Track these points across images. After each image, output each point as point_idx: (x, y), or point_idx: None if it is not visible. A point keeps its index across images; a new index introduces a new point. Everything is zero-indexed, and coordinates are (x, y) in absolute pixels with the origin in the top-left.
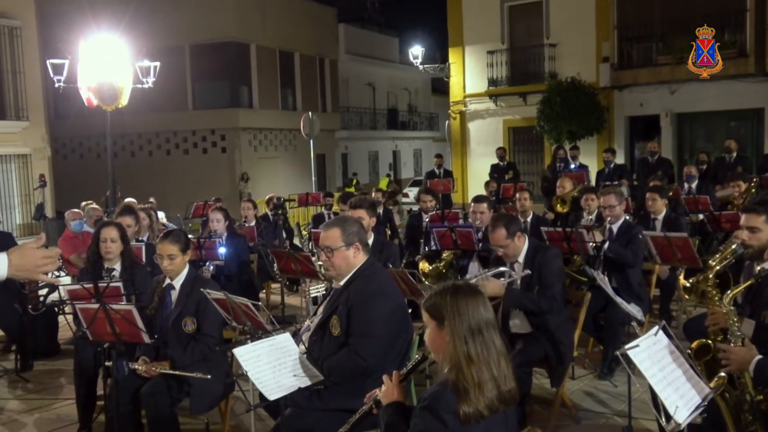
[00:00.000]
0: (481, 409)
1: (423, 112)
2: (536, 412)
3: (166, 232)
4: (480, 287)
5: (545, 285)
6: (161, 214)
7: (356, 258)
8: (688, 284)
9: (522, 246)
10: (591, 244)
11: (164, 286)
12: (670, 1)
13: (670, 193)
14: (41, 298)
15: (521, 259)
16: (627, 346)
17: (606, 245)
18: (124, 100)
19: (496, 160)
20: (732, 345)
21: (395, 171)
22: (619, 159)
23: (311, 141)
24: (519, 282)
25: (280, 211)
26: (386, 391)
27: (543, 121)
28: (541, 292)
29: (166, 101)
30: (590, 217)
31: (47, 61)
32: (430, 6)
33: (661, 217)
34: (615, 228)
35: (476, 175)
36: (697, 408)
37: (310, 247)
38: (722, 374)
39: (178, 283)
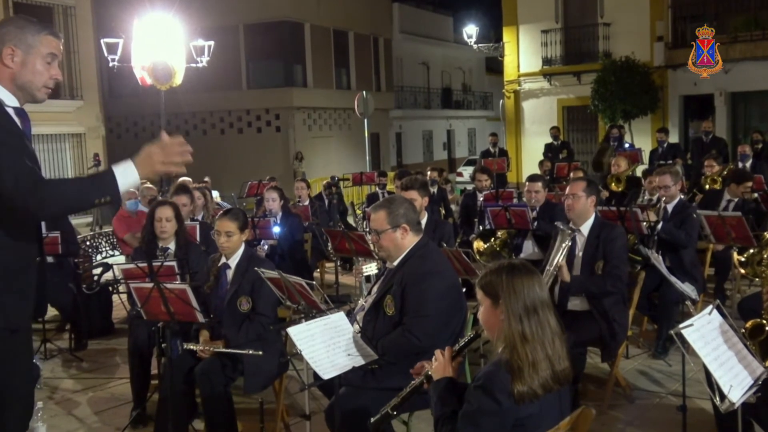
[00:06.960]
0: (535, 389)
1: (477, 91)
2: (590, 391)
3: (226, 209)
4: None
5: (613, 264)
6: (215, 194)
7: (404, 239)
8: (743, 258)
9: (591, 213)
10: (644, 223)
11: (220, 265)
12: None
13: (725, 173)
14: (95, 278)
15: (585, 231)
16: (681, 326)
17: (659, 226)
18: (178, 80)
19: (550, 140)
20: None
21: (449, 150)
22: (673, 138)
23: (365, 120)
24: (581, 254)
25: (333, 190)
26: (437, 367)
27: (597, 101)
28: (607, 270)
29: (220, 80)
30: (650, 198)
31: (101, 41)
32: None
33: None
34: (670, 208)
35: (530, 155)
36: (751, 387)
37: (364, 226)
38: None
39: (233, 262)
